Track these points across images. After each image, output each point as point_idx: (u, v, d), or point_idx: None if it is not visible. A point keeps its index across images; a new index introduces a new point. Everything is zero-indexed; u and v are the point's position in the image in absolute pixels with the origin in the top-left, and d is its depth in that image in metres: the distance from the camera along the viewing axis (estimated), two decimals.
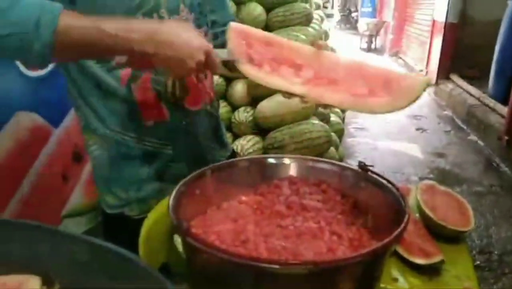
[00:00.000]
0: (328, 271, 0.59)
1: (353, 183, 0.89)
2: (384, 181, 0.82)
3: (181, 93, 0.96)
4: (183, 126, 0.99)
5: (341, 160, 2.67)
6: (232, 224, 0.79)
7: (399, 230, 0.64)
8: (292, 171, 0.96)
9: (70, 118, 1.38)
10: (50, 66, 1.26)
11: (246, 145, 2.19)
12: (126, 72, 0.90)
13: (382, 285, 0.98)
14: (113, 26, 0.71)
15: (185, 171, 0.91)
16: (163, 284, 0.62)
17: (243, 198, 0.89)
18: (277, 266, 0.55)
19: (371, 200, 0.85)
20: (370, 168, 0.86)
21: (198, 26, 0.97)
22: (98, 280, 0.68)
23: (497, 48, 4.28)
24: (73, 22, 0.70)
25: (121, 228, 0.99)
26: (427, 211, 1.16)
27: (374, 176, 0.85)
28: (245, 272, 0.59)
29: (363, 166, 0.88)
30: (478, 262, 2.15)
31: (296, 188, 0.92)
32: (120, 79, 0.90)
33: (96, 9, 0.80)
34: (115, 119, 0.93)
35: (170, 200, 0.72)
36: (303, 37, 2.26)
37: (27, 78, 1.20)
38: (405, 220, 0.68)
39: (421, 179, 3.18)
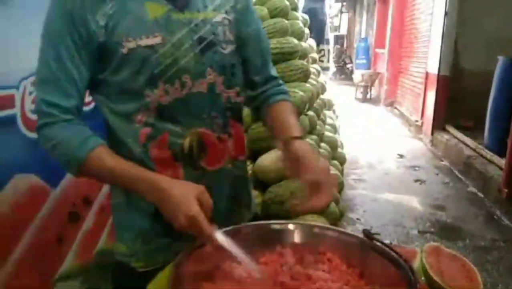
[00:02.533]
0: None
1: (358, 252, 0.87)
2: (390, 251, 0.80)
3: (198, 154, 0.96)
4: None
5: (341, 214, 2.63)
6: None
7: None
8: (296, 238, 0.93)
9: (68, 178, 1.37)
10: None
11: None
12: (145, 131, 0.93)
13: None
14: (125, 174, 0.87)
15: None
16: None
17: (243, 269, 0.86)
18: None
19: (378, 270, 0.82)
20: (375, 236, 0.84)
21: (229, 87, 0.99)
22: None
23: (490, 101, 4.37)
24: (95, 162, 0.87)
25: (127, 278, 1.01)
26: (435, 277, 1.12)
27: (380, 244, 0.83)
28: None
29: (368, 234, 0.86)
30: None
31: (300, 256, 0.89)
32: (138, 138, 0.93)
33: (122, 76, 0.90)
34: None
35: (170, 274, 0.70)
36: (301, 93, 2.30)
37: (26, 139, 1.20)
38: None
39: (421, 232, 3.13)
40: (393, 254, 0.79)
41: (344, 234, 0.91)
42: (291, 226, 0.93)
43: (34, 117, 1.23)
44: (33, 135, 1.23)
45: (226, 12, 0.99)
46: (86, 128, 0.90)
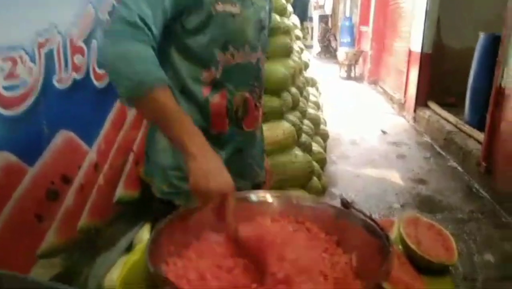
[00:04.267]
0: None
1: (336, 221, 0.88)
2: (367, 219, 0.82)
3: (242, 114, 1.15)
4: (236, 143, 1.17)
5: (324, 189, 2.66)
6: (212, 267, 0.77)
7: (383, 271, 0.62)
8: (277, 209, 0.94)
9: (46, 156, 1.34)
10: (25, 106, 1.25)
11: None
12: (207, 88, 1.09)
13: None
14: (176, 125, 0.90)
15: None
16: None
17: (222, 237, 0.87)
18: None
19: (355, 238, 0.84)
20: (352, 205, 0.86)
21: (263, 64, 1.21)
22: None
23: (471, 77, 4.43)
24: (161, 95, 0.91)
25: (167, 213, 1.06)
26: (412, 245, 1.15)
27: (357, 213, 0.84)
28: None
29: (345, 203, 0.87)
30: None
31: (280, 225, 0.91)
32: (202, 91, 1.09)
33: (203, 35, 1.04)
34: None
35: (146, 245, 0.70)
36: (283, 69, 2.29)
37: (2, 117, 1.17)
38: (390, 260, 0.67)
39: (403, 206, 3.20)
40: (369, 222, 0.81)
41: (322, 204, 0.93)
42: (269, 197, 0.93)
43: (9, 95, 1.20)
44: (9, 113, 1.20)
45: (267, 1, 1.20)
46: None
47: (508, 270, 2.34)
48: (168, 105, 0.90)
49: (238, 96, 1.12)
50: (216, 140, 1.14)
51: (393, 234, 1.30)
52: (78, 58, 1.45)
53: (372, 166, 4.09)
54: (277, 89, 2.26)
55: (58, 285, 0.71)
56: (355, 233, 0.83)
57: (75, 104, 1.47)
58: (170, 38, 1.04)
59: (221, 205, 0.84)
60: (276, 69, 2.25)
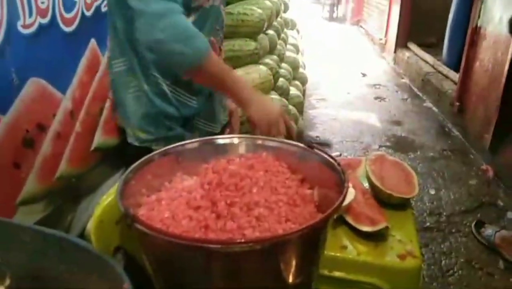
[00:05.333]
0: (270, 248, 0.63)
1: (300, 160, 0.93)
2: (328, 157, 0.87)
3: None
4: (206, 88, 1.26)
5: (300, 133, 2.72)
6: (182, 204, 0.81)
7: (333, 207, 0.68)
8: (243, 149, 0.98)
9: (19, 105, 1.34)
10: None
11: None
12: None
13: (331, 253, 1.05)
14: (230, 82, 1.10)
15: (201, 126, 1.32)
16: (113, 269, 0.65)
17: (194, 178, 0.91)
18: (219, 246, 0.58)
19: (317, 175, 0.89)
20: (315, 145, 0.90)
21: (224, 6, 1.31)
22: (50, 268, 0.70)
23: (450, 16, 4.40)
24: (214, 59, 1.08)
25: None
26: (375, 181, 1.23)
27: (319, 152, 0.89)
28: (191, 253, 0.62)
29: (309, 143, 0.92)
30: (428, 224, 2.29)
31: (250, 164, 0.95)
32: None
33: None
34: (156, 68, 1.20)
35: (118, 186, 0.74)
36: (259, 10, 2.24)
37: None
38: (343, 194, 0.72)
39: (378, 147, 3.30)
40: (330, 159, 0.86)
41: (287, 144, 0.97)
42: (236, 140, 0.97)
43: None
44: None
45: None
46: None
47: (470, 204, 2.50)
48: (221, 68, 1.09)
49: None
50: (189, 88, 1.25)
51: (360, 172, 1.38)
52: (42, 2, 1.40)
53: (350, 109, 4.16)
54: (252, 32, 2.23)
55: (44, 228, 0.74)
56: (317, 170, 0.89)
57: (44, 50, 1.44)
58: None
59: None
60: (251, 10, 2.20)
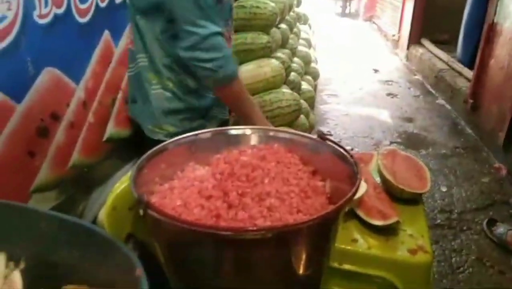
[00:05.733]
0: (281, 237, 0.63)
1: (312, 152, 0.93)
2: (340, 149, 0.86)
3: None
4: None
5: (311, 128, 2.71)
6: (194, 193, 0.82)
7: (345, 198, 0.68)
8: (255, 140, 0.99)
9: (33, 94, 1.36)
10: (7, 42, 1.24)
11: None
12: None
13: (342, 246, 1.04)
14: (248, 108, 1.35)
15: (216, 113, 1.45)
16: (126, 255, 0.65)
17: (206, 168, 0.92)
18: (230, 233, 0.58)
19: (329, 167, 0.89)
20: (328, 137, 0.90)
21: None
22: (64, 253, 0.71)
23: (465, 13, 4.33)
24: (239, 89, 1.32)
25: None
26: (387, 175, 1.22)
27: (331, 143, 0.89)
28: (202, 240, 0.62)
29: (321, 135, 0.92)
30: (439, 221, 2.27)
31: (262, 155, 0.95)
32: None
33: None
34: (180, 65, 1.31)
35: (131, 173, 0.74)
36: (272, 4, 2.23)
37: None
38: (356, 186, 0.72)
39: (389, 143, 3.28)
40: (342, 151, 0.85)
41: (299, 135, 0.97)
42: (248, 131, 0.97)
43: None
44: None
45: None
46: None
47: (482, 202, 2.48)
48: (243, 93, 1.32)
49: None
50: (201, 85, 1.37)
51: (372, 166, 1.37)
52: None
53: (362, 105, 4.13)
54: (265, 26, 2.22)
55: (59, 214, 0.75)
56: (329, 162, 0.88)
57: (58, 40, 1.45)
58: None
59: None
60: (264, 3, 2.19)
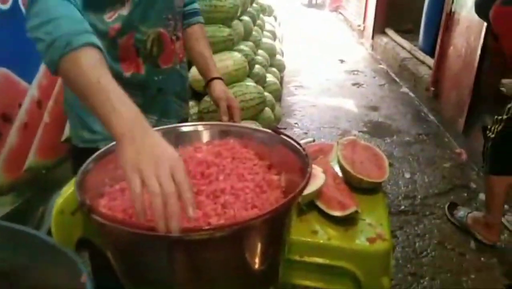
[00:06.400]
0: (231, 235, 0.62)
1: (267, 146, 0.93)
2: (293, 142, 0.86)
3: (157, 51, 1.07)
4: (156, 82, 1.10)
5: (278, 120, 2.72)
6: (146, 193, 0.80)
7: (292, 194, 0.67)
8: (209, 137, 0.97)
9: None
10: None
11: None
12: (116, 26, 0.98)
13: (302, 238, 1.05)
14: (99, 99, 0.69)
15: (153, 122, 1.12)
16: (72, 261, 0.63)
17: None
18: (177, 234, 0.57)
19: (284, 161, 0.89)
20: (281, 131, 0.90)
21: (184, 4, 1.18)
22: (12, 261, 0.68)
23: (426, 2, 4.44)
24: (80, 62, 0.72)
25: None
26: (345, 165, 1.24)
27: (285, 137, 0.89)
28: (149, 243, 0.61)
29: (275, 129, 0.91)
30: (402, 207, 2.33)
31: (217, 151, 0.94)
32: (108, 30, 0.98)
33: None
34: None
35: (76, 177, 0.72)
36: None
37: None
38: (305, 180, 0.72)
39: (354, 133, 3.33)
40: (295, 145, 0.85)
41: (255, 130, 0.96)
42: (201, 127, 0.96)
43: None
44: None
45: None
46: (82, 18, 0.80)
47: (443, 186, 2.56)
48: (89, 72, 0.71)
49: (151, 34, 1.04)
50: (133, 85, 1.05)
51: (331, 157, 1.38)
52: None
53: (329, 95, 4.17)
54: (225, 18, 2.20)
55: (10, 224, 0.72)
56: (284, 156, 0.88)
57: (5, 38, 1.39)
58: None
59: None
60: None
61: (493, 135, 1.89)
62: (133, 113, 0.68)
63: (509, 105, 1.85)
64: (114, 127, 0.66)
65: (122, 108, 0.67)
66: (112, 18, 0.97)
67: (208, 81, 1.22)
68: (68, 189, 0.81)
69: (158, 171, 0.60)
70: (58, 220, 0.76)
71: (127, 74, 1.04)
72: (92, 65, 0.72)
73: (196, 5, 1.29)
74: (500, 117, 1.87)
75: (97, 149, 0.91)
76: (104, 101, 0.68)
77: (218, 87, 1.19)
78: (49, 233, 0.79)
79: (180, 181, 0.60)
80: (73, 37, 0.73)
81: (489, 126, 1.93)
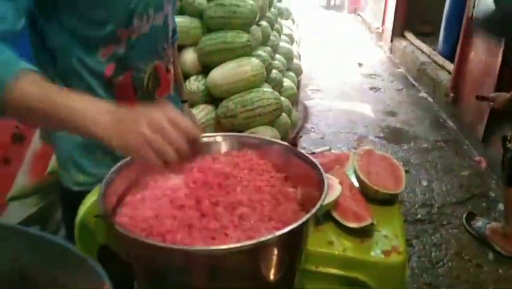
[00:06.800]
0: (247, 253, 0.64)
1: (284, 158, 0.94)
2: (309, 156, 0.88)
3: (154, 85, 1.01)
4: None
5: (294, 125, 2.73)
6: (166, 203, 0.82)
7: (311, 212, 0.68)
8: (226, 147, 0.99)
9: None
10: None
11: (199, 114, 2.19)
12: (111, 66, 0.92)
13: (318, 249, 1.06)
14: (64, 111, 0.66)
15: None
16: (94, 270, 0.65)
17: (179, 177, 0.92)
18: (195, 249, 0.59)
19: (300, 174, 0.90)
20: (294, 147, 0.91)
21: (172, 17, 1.06)
22: (36, 270, 0.71)
23: (446, 5, 4.37)
24: (27, 87, 0.65)
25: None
26: (361, 176, 1.24)
27: (300, 151, 0.90)
28: (167, 257, 0.63)
29: (292, 141, 0.93)
30: (419, 216, 2.31)
31: (235, 163, 0.96)
32: (104, 70, 0.91)
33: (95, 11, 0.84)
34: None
35: (100, 187, 0.74)
36: (251, 1, 2.23)
37: None
38: (323, 195, 0.73)
39: (371, 138, 3.31)
40: (311, 158, 0.87)
41: (271, 142, 0.97)
42: (218, 138, 0.98)
43: None
44: None
45: None
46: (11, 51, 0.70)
47: (461, 195, 2.52)
48: (46, 92, 0.66)
49: (148, 70, 0.99)
50: None
51: (348, 167, 1.38)
52: None
53: (345, 99, 4.16)
54: (244, 24, 2.22)
55: (27, 229, 0.74)
56: (300, 168, 0.90)
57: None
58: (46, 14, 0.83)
59: None
60: (243, 1, 2.19)
61: None
62: (102, 106, 0.67)
63: None
64: (93, 130, 0.65)
65: (94, 112, 0.65)
66: (106, 57, 0.90)
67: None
68: (91, 197, 0.84)
69: (155, 126, 0.62)
70: (82, 228, 0.78)
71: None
72: (38, 90, 0.67)
73: (175, 23, 1.20)
74: None
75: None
76: (71, 112, 0.65)
77: (187, 110, 1.18)
78: (69, 237, 0.82)
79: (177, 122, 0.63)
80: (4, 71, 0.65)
81: (508, 137, 1.90)
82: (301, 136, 2.84)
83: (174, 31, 1.16)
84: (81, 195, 0.92)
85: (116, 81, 0.93)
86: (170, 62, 1.06)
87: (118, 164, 0.84)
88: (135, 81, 0.97)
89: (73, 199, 0.98)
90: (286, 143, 0.94)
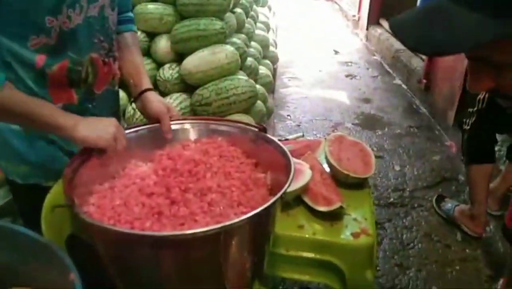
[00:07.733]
0: (214, 237, 0.65)
1: (254, 144, 0.95)
2: (278, 142, 0.89)
3: (92, 78, 1.00)
4: (89, 109, 1.02)
5: (270, 113, 2.73)
6: (134, 191, 0.82)
7: (276, 196, 0.70)
8: (196, 134, 0.99)
9: None
10: None
11: (173, 103, 2.17)
12: (42, 56, 0.89)
13: (288, 233, 1.08)
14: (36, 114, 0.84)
15: None
16: (61, 259, 0.65)
17: (148, 164, 0.92)
18: (161, 235, 0.60)
19: (269, 159, 0.91)
20: (263, 130, 0.92)
21: (112, 9, 1.01)
22: (5, 258, 0.70)
23: None
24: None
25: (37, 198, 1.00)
26: (332, 161, 1.26)
27: (269, 136, 0.91)
28: (134, 244, 0.63)
29: (262, 128, 0.93)
30: (392, 199, 2.37)
31: (205, 149, 0.96)
32: (35, 60, 0.89)
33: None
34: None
35: (64, 175, 0.74)
36: None
37: None
38: (289, 180, 0.75)
39: (346, 125, 3.35)
40: (280, 144, 0.88)
41: (242, 128, 0.98)
42: (187, 124, 0.98)
43: None
44: None
45: None
46: None
47: (432, 179, 2.60)
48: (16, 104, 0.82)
49: (84, 62, 0.96)
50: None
51: (319, 152, 1.41)
52: None
53: (322, 87, 4.19)
54: (218, 11, 2.19)
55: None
56: (270, 154, 0.91)
57: None
58: None
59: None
60: None
61: (468, 127, 1.97)
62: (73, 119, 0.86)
63: (478, 97, 1.91)
64: (61, 124, 0.84)
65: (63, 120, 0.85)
66: (36, 46, 0.87)
67: (140, 93, 1.07)
68: (58, 186, 0.83)
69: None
70: (48, 216, 0.78)
71: (58, 105, 0.95)
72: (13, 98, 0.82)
73: (130, 14, 1.17)
74: (472, 109, 1.95)
75: (39, 186, 0.97)
76: (41, 115, 0.84)
77: (155, 98, 1.05)
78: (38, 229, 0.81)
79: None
80: None
81: (464, 120, 2.00)
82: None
83: (128, 21, 1.15)
84: (29, 189, 0.97)
85: (49, 72, 0.91)
86: (109, 54, 1.03)
87: (83, 151, 0.84)
88: (71, 74, 0.95)
89: (23, 193, 1.02)
90: (256, 129, 0.95)
